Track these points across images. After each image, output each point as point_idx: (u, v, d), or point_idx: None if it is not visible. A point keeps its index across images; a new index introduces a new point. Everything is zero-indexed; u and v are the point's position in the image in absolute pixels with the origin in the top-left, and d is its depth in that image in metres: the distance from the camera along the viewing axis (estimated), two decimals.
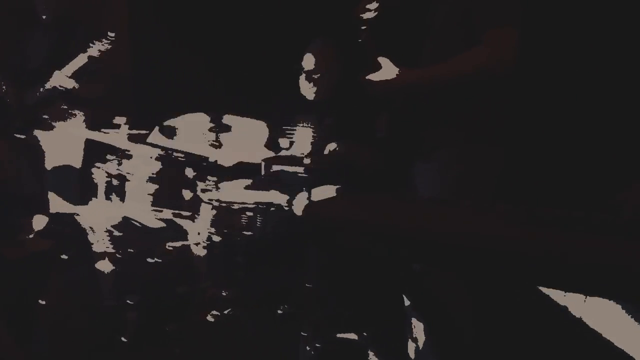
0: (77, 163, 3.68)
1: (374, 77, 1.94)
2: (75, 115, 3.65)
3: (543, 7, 2.28)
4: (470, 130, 1.91)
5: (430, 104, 1.96)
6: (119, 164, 2.82)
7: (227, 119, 2.62)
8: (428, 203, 1.48)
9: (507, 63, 1.79)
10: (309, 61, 3.12)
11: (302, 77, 3.16)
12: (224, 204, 2.77)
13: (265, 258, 2.95)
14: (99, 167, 2.82)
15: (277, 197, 2.93)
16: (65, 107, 3.62)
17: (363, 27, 1.88)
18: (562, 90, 2.41)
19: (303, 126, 3.15)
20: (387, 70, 1.93)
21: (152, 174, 2.75)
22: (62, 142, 3.58)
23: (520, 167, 2.06)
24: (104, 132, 3.13)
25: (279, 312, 2.79)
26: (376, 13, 1.86)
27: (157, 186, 2.71)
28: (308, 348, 2.57)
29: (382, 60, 1.94)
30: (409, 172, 2.12)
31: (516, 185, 1.92)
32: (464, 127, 1.93)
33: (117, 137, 3.04)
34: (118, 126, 3.41)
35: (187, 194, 2.73)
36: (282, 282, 2.91)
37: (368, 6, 1.85)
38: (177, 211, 2.72)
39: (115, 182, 2.83)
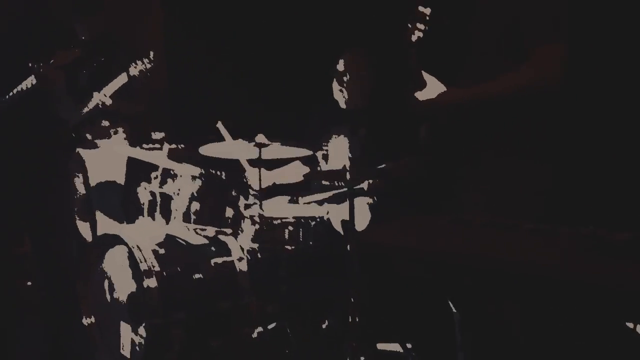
0: (121, 180, 3.77)
1: (419, 94, 1.95)
2: (117, 132, 3.74)
3: (590, 21, 2.24)
4: (517, 146, 1.90)
5: (476, 121, 1.95)
6: (163, 182, 2.87)
7: (263, 134, 2.63)
8: (488, 227, 1.44)
9: (556, 80, 1.78)
10: (340, 66, 3.14)
11: (334, 82, 3.17)
12: (265, 220, 2.80)
13: (308, 271, 2.97)
14: (143, 187, 2.88)
15: (317, 211, 2.95)
16: (106, 125, 3.71)
17: (412, 47, 1.88)
18: (610, 105, 2.37)
19: (337, 138, 3.16)
20: (433, 87, 1.93)
21: (195, 192, 2.79)
22: (106, 160, 3.66)
23: (569, 185, 2.02)
24: (146, 149, 3.20)
25: (323, 325, 2.80)
26: (424, 33, 1.86)
27: (199, 204, 2.75)
28: None
29: (427, 77, 1.95)
30: (452, 187, 2.11)
31: (564, 204, 1.89)
32: (510, 143, 1.91)
33: (159, 155, 3.11)
34: (157, 142, 3.49)
35: (229, 211, 2.77)
36: (325, 295, 2.93)
37: (418, 25, 1.86)
38: (220, 228, 2.76)
39: (159, 200, 2.88)
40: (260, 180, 2.73)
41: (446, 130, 2.02)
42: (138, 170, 3.64)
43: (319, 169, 3.21)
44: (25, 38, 2.62)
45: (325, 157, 3.20)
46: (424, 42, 1.88)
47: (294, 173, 3.34)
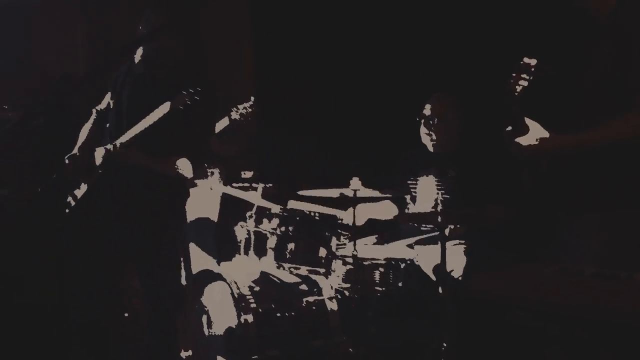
0: (215, 218, 3.97)
1: (522, 140, 1.97)
2: (213, 173, 3.95)
3: None
4: (618, 194, 1.88)
5: (579, 168, 1.95)
6: (259, 221, 3.00)
7: (356, 179, 2.72)
8: (598, 278, 1.44)
9: None
10: (427, 111, 3.21)
11: (422, 127, 3.24)
12: (356, 260, 2.86)
13: (397, 314, 2.99)
14: (240, 225, 3.02)
15: (407, 253, 2.98)
16: (205, 165, 3.93)
17: (515, 97, 1.93)
18: None
19: (426, 179, 3.20)
20: (536, 133, 1.96)
21: (289, 231, 2.90)
22: (202, 198, 3.86)
23: None
24: (240, 188, 3.36)
25: None
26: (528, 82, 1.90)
27: (294, 243, 2.85)
28: None
29: (530, 123, 1.97)
30: (551, 234, 2.10)
31: None
32: (612, 191, 1.90)
33: (254, 194, 3.26)
34: (247, 180, 3.65)
35: (322, 251, 2.85)
36: (415, 338, 2.93)
37: (523, 76, 1.90)
38: (313, 267, 2.84)
39: (253, 238, 3.01)
40: (354, 217, 2.80)
41: (547, 177, 2.02)
42: (232, 209, 3.83)
43: (406, 210, 3.25)
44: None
45: (414, 199, 3.24)
46: (527, 89, 1.91)
47: (385, 211, 3.40)
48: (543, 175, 2.03)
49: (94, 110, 2.98)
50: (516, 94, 1.91)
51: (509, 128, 2.02)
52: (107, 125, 2.86)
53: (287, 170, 3.99)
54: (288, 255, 2.85)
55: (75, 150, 2.82)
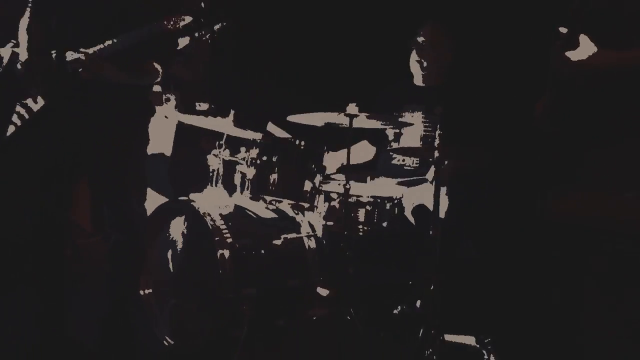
0: (169, 149, 3.62)
1: (571, 54, 1.84)
2: (169, 100, 3.58)
3: None
4: None
5: (620, 88, 1.85)
6: (235, 151, 2.72)
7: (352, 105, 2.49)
8: None
9: None
10: (420, 37, 3.04)
11: (413, 53, 3.07)
12: (339, 197, 2.67)
13: (379, 255, 2.85)
14: (214, 154, 2.73)
15: (393, 192, 2.82)
16: (159, 90, 3.55)
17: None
18: None
19: (412, 116, 3.03)
20: (586, 47, 1.83)
21: (272, 161, 2.64)
22: (156, 127, 3.50)
23: None
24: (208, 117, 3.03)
25: (395, 312, 2.68)
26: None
27: (276, 175, 2.60)
28: (428, 351, 2.46)
29: (581, 37, 1.84)
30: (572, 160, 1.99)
31: None
32: None
33: (224, 122, 2.95)
34: (202, 113, 3.32)
35: (307, 185, 2.63)
36: (395, 280, 2.81)
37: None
38: (296, 202, 2.61)
39: (228, 168, 2.73)
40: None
41: (582, 98, 1.90)
42: (193, 138, 3.50)
43: (389, 147, 3.08)
44: None
45: (397, 136, 3.07)
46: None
47: (363, 153, 3.21)
48: (576, 95, 1.91)
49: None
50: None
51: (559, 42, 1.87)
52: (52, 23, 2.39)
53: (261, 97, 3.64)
54: (271, 188, 2.59)
55: (24, 53, 2.37)
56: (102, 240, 3.27)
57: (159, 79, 2.47)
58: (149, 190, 3.45)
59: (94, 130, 2.30)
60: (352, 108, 2.43)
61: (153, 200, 3.38)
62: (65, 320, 2.57)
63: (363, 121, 2.51)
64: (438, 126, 2.51)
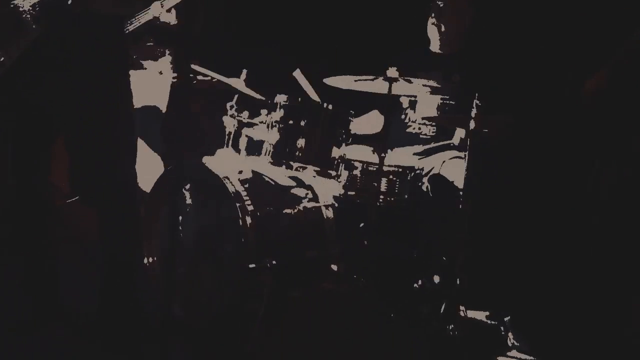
0: (163, 107, 3.37)
1: None
2: (164, 54, 3.32)
3: None
4: None
5: None
6: (255, 113, 2.54)
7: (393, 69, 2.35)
8: None
9: None
10: (438, 3, 2.91)
11: (431, 17, 2.94)
12: (363, 165, 2.56)
13: (397, 227, 2.76)
14: (230, 114, 2.53)
15: (414, 162, 2.72)
16: (151, 44, 3.29)
17: None
18: None
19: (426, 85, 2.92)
20: None
21: (300, 125, 2.47)
22: (150, 83, 3.25)
23: None
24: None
25: (415, 285, 2.61)
26: None
27: (304, 139, 2.44)
28: (450, 326, 2.41)
29: None
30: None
31: None
32: None
33: (236, 81, 2.75)
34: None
35: (335, 151, 2.48)
36: (413, 254, 2.73)
37: None
38: (324, 169, 2.47)
39: (246, 131, 2.55)
40: None
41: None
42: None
43: (402, 116, 2.97)
44: None
45: (413, 105, 2.95)
46: None
47: (374, 123, 3.08)
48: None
49: None
50: None
51: None
52: None
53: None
54: (298, 153, 2.42)
55: None
56: (79, 203, 3.06)
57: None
58: (140, 144, 3.23)
59: (69, 84, 2.01)
60: (392, 72, 2.29)
61: (144, 159, 3.16)
62: (58, 288, 2.37)
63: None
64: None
